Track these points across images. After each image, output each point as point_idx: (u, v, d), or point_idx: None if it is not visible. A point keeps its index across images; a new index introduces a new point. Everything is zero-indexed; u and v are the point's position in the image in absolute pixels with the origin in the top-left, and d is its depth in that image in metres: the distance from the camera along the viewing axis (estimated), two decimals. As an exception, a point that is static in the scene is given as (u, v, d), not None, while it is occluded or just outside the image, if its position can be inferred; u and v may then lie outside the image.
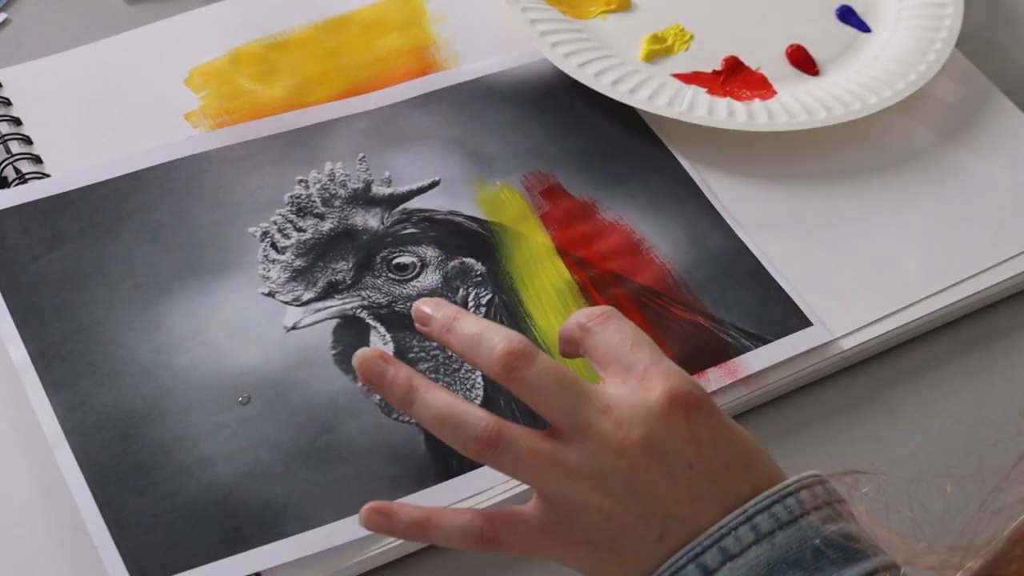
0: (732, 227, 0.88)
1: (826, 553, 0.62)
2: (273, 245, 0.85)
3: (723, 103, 0.93)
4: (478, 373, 0.80)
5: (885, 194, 0.91)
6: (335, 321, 0.82)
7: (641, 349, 0.68)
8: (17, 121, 0.91)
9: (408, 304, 0.83)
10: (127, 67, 0.94)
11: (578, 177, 0.90)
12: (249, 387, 0.79)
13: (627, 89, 0.92)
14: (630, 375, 0.67)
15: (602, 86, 0.92)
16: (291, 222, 0.86)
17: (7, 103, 0.92)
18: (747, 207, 0.89)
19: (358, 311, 0.83)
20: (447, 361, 0.81)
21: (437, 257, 0.85)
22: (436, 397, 0.67)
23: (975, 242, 0.89)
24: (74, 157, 0.89)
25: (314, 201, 0.87)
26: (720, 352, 0.82)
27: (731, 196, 0.90)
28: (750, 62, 0.96)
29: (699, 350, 0.82)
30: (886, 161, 0.93)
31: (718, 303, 0.84)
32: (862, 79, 0.95)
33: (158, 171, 0.88)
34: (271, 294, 0.83)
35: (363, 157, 0.89)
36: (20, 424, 0.78)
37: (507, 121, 0.92)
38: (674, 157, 0.91)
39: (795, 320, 0.84)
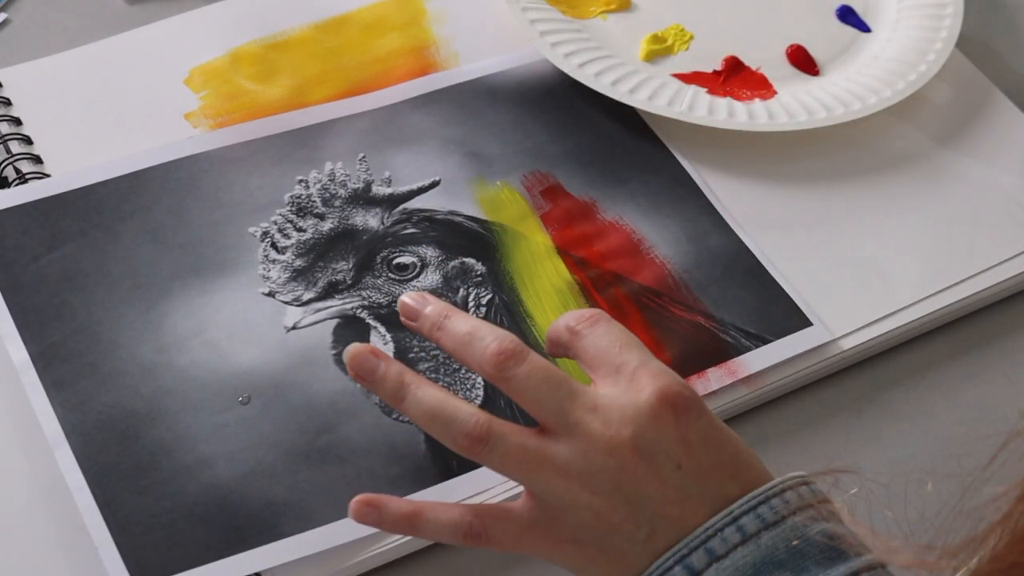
0: (732, 227, 0.88)
1: (811, 553, 0.63)
2: (273, 245, 0.85)
3: (723, 103, 0.93)
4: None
5: (885, 194, 0.91)
6: (335, 321, 0.82)
7: (630, 350, 0.68)
8: (17, 121, 0.91)
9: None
10: (127, 67, 0.94)
11: (578, 177, 0.90)
12: (249, 387, 0.79)
13: (627, 89, 0.92)
14: (619, 376, 0.67)
15: (602, 86, 0.92)
16: (291, 222, 0.86)
17: (7, 103, 0.92)
18: (747, 207, 0.89)
19: (358, 311, 0.83)
20: (447, 361, 0.81)
21: (437, 257, 0.85)
22: (426, 393, 0.67)
23: (975, 242, 0.89)
24: (74, 157, 0.89)
25: (314, 201, 0.87)
26: (720, 352, 0.82)
27: (731, 196, 0.90)
28: (750, 62, 0.96)
29: (699, 350, 0.82)
30: (886, 161, 0.93)
31: (718, 303, 0.84)
32: (862, 79, 0.95)
33: (158, 171, 0.88)
34: (271, 294, 0.83)
35: (363, 157, 0.89)
36: (20, 424, 0.78)
37: (507, 121, 0.92)
38: (674, 157, 0.91)
39: (795, 320, 0.84)
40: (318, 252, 0.85)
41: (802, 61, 0.96)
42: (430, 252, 0.85)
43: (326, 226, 0.86)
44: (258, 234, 0.86)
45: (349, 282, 0.84)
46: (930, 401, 0.84)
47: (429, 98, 0.93)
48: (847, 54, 0.97)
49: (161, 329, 0.81)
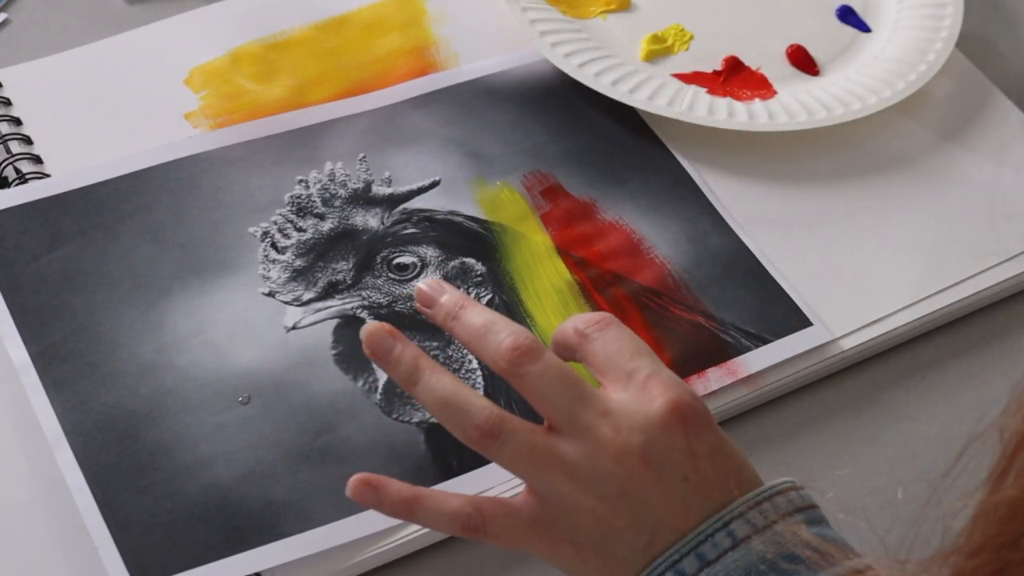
0: (732, 227, 0.88)
1: (801, 557, 0.63)
2: (273, 245, 0.85)
3: (723, 103, 0.93)
4: (478, 373, 0.80)
5: (885, 194, 0.91)
6: (335, 321, 0.82)
7: (641, 357, 0.67)
8: (17, 121, 0.91)
9: (408, 304, 0.83)
10: (127, 67, 0.94)
11: (578, 177, 0.90)
12: (249, 387, 0.79)
13: (627, 89, 0.92)
14: (631, 383, 0.67)
15: (602, 86, 0.92)
16: (291, 222, 0.86)
17: (7, 103, 0.92)
18: (747, 207, 0.89)
19: (358, 311, 0.83)
20: (447, 362, 0.81)
21: (437, 257, 0.85)
22: (440, 380, 0.67)
23: (975, 242, 0.89)
24: (74, 157, 0.89)
25: (314, 201, 0.87)
26: (720, 352, 0.82)
27: (731, 196, 0.90)
28: (750, 62, 0.96)
29: (699, 350, 0.82)
30: (886, 161, 0.93)
31: (718, 303, 0.84)
32: (862, 79, 0.95)
33: (158, 171, 0.88)
34: (271, 294, 0.83)
35: (363, 157, 0.89)
36: (20, 424, 0.78)
37: (507, 121, 0.92)
38: (674, 157, 0.91)
39: (795, 320, 0.84)
40: (318, 252, 0.85)
41: (802, 61, 0.96)
42: (430, 252, 0.85)
43: (326, 226, 0.86)
44: (258, 234, 0.86)
45: (349, 282, 0.84)
46: (930, 401, 0.84)
47: (429, 98, 0.93)
48: (847, 54, 0.97)
49: (161, 329, 0.81)
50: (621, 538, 0.65)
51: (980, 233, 0.89)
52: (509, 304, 0.84)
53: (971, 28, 0.99)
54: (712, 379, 0.81)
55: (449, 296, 0.69)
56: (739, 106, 0.93)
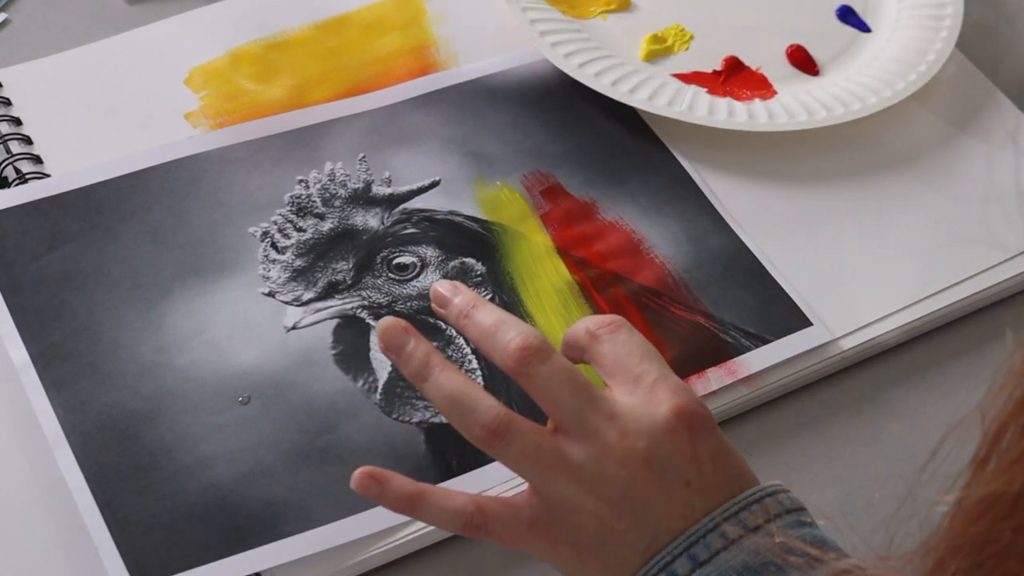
0: (732, 227, 0.88)
1: (792, 558, 0.63)
2: (273, 245, 0.85)
3: (723, 103, 0.93)
4: (478, 374, 0.80)
5: (885, 194, 0.91)
6: (335, 321, 0.82)
7: (650, 361, 0.68)
8: (17, 121, 0.91)
9: (408, 304, 0.83)
10: (127, 67, 0.94)
11: (578, 177, 0.90)
12: (249, 387, 0.79)
13: (627, 89, 0.92)
14: (638, 387, 0.67)
15: (602, 86, 0.92)
16: (291, 222, 0.86)
17: (7, 103, 0.92)
18: (747, 207, 0.89)
19: (358, 311, 0.83)
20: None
21: (437, 257, 0.85)
22: (450, 378, 0.67)
23: (975, 242, 0.89)
24: (74, 157, 0.89)
25: (314, 201, 0.87)
26: (720, 352, 0.82)
27: (731, 196, 0.90)
28: (750, 62, 0.96)
29: (699, 350, 0.82)
30: (886, 161, 0.93)
31: (718, 303, 0.84)
32: (862, 79, 0.95)
33: (158, 171, 0.88)
34: (271, 294, 0.83)
35: (363, 157, 0.89)
36: (20, 424, 0.78)
37: (507, 121, 0.92)
38: (674, 157, 0.91)
39: (795, 320, 0.84)
40: (318, 252, 0.85)
41: (802, 61, 0.96)
42: (430, 252, 0.85)
43: (326, 226, 0.86)
44: (258, 234, 0.86)
45: (349, 282, 0.84)
46: (930, 401, 0.84)
47: (429, 98, 0.93)
48: (847, 54, 0.97)
49: (161, 329, 0.81)
50: (622, 540, 0.65)
51: (980, 233, 0.89)
52: (509, 304, 0.84)
53: (971, 28, 0.99)
54: (712, 379, 0.81)
55: (462, 297, 0.70)
56: (739, 106, 0.93)
